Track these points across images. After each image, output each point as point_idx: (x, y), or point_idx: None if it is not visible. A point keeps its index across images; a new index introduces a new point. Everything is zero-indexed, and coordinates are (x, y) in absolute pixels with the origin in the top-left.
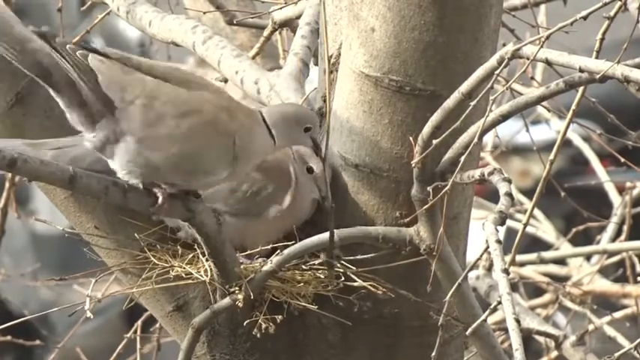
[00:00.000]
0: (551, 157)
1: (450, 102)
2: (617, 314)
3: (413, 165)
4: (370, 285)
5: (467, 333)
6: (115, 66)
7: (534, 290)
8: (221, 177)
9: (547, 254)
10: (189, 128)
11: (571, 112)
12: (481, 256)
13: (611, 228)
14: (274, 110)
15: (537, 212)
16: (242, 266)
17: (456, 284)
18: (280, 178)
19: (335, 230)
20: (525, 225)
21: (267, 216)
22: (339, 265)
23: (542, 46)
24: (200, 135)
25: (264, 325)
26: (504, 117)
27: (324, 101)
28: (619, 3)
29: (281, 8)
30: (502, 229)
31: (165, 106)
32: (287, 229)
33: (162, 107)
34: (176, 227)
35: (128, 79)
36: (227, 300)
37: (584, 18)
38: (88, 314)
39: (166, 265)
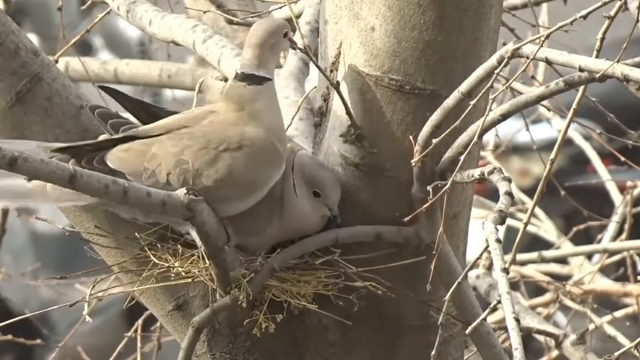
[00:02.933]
0: (552, 156)
1: (449, 101)
2: (618, 313)
3: (413, 164)
4: (370, 284)
5: (467, 332)
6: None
7: (535, 289)
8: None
9: (548, 253)
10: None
11: (572, 111)
12: (481, 255)
13: (611, 227)
14: (249, 54)
15: (538, 211)
16: (242, 265)
17: (456, 283)
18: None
19: (335, 230)
20: (526, 224)
21: (264, 234)
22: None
23: (542, 46)
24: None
25: (264, 325)
26: (504, 116)
27: (324, 100)
28: (619, 2)
29: (281, 8)
30: (502, 228)
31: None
32: (288, 239)
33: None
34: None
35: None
36: (227, 299)
37: (584, 17)
38: (87, 319)
39: (167, 264)
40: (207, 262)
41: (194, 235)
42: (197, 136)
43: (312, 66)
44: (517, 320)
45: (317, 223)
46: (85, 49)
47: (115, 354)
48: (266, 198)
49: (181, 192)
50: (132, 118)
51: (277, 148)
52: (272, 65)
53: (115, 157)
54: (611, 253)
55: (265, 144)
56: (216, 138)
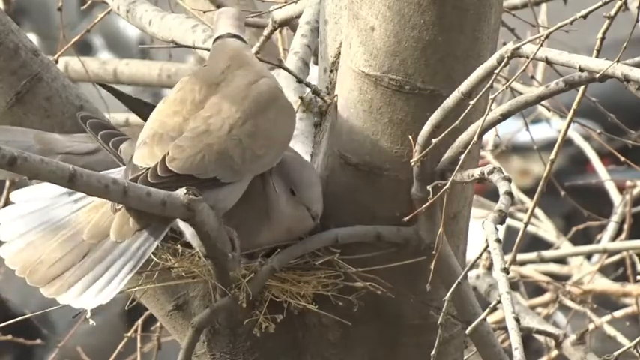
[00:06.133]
0: (552, 156)
1: (449, 101)
2: (617, 313)
3: (412, 164)
4: (370, 284)
5: (467, 332)
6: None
7: (534, 289)
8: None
9: (547, 253)
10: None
11: (572, 111)
12: (481, 255)
13: (611, 227)
14: (226, 20)
15: (538, 211)
16: (242, 265)
17: (456, 283)
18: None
19: (335, 230)
20: (526, 224)
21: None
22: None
23: (542, 45)
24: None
25: (264, 325)
26: (504, 116)
27: (324, 100)
28: (619, 2)
29: (281, 7)
30: (502, 228)
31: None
32: (277, 242)
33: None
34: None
35: None
36: (227, 299)
37: (584, 17)
38: (90, 322)
39: (167, 263)
40: (206, 261)
41: (188, 235)
42: (233, 110)
43: (312, 66)
44: (517, 320)
45: (301, 223)
46: (85, 49)
47: (115, 354)
48: (255, 200)
49: (181, 192)
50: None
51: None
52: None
53: (175, 162)
54: (611, 253)
55: (280, 96)
56: (247, 106)
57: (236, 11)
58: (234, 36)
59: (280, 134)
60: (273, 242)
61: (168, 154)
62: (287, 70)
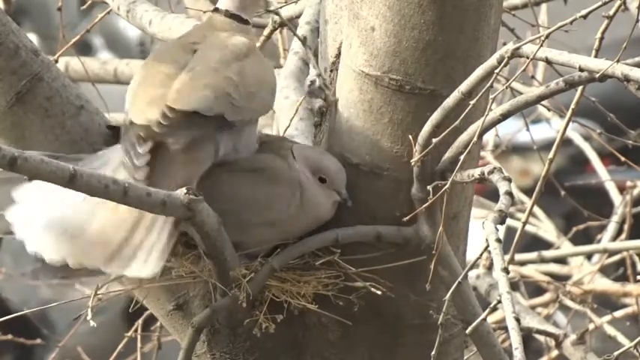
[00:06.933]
0: (551, 155)
1: (449, 101)
2: (618, 313)
3: (413, 164)
4: (370, 285)
5: (467, 332)
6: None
7: (535, 289)
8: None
9: (547, 253)
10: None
11: (570, 110)
12: (481, 255)
13: (611, 227)
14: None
15: (538, 211)
16: (242, 265)
17: (456, 283)
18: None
19: (335, 230)
20: (524, 223)
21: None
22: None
23: (542, 45)
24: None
25: (264, 325)
26: (504, 116)
27: (324, 100)
28: (618, 2)
29: (281, 7)
30: (502, 228)
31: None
32: (303, 231)
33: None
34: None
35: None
36: (227, 299)
37: (584, 17)
38: (91, 323)
39: (167, 264)
40: (207, 261)
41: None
42: (216, 58)
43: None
44: (517, 320)
45: (329, 210)
46: (85, 49)
47: (115, 354)
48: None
49: (181, 192)
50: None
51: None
52: (251, 15)
53: (179, 100)
54: (611, 253)
55: (258, 52)
56: (228, 54)
57: None
58: (233, 15)
59: (266, 76)
60: (300, 233)
61: (168, 99)
62: (299, 39)
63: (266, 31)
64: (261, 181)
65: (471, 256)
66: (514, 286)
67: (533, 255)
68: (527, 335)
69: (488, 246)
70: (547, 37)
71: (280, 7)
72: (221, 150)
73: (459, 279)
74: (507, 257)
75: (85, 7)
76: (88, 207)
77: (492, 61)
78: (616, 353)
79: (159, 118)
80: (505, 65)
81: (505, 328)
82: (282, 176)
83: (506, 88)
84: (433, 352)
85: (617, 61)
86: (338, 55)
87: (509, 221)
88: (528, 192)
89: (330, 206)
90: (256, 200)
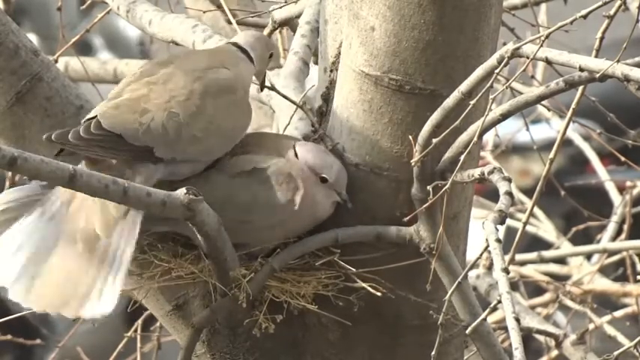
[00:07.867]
0: (551, 155)
1: (449, 101)
2: (618, 313)
3: (413, 164)
4: (370, 285)
5: (467, 332)
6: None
7: (535, 289)
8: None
9: (547, 253)
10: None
11: (571, 110)
12: (481, 255)
13: (611, 227)
14: (247, 35)
15: (538, 211)
16: (242, 265)
17: (456, 283)
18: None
19: (335, 230)
20: (525, 224)
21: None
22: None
23: (542, 45)
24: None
25: (264, 325)
26: (504, 116)
27: (324, 100)
28: (619, 2)
29: (281, 7)
30: (502, 228)
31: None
32: (303, 230)
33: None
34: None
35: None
36: (227, 299)
37: (584, 17)
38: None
39: (167, 265)
40: (207, 261)
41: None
42: (180, 85)
43: (312, 65)
44: (517, 320)
45: (327, 209)
46: (85, 49)
47: (114, 354)
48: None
49: (181, 192)
50: None
51: (247, 97)
52: (263, 65)
53: (107, 117)
54: (611, 253)
55: (238, 93)
56: (196, 87)
57: (263, 35)
58: (242, 49)
59: (227, 124)
60: (299, 232)
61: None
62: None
63: (266, 31)
64: (261, 183)
65: (471, 256)
66: (514, 286)
67: (533, 255)
68: (527, 335)
69: (488, 246)
70: (547, 37)
71: (280, 7)
72: (156, 175)
73: (459, 279)
74: (507, 257)
75: (84, 7)
76: (48, 253)
77: (492, 61)
78: (616, 353)
79: (87, 127)
80: (505, 65)
81: (505, 328)
82: (281, 177)
83: (506, 88)
84: (433, 353)
85: (617, 61)
86: (338, 55)
87: (509, 221)
88: (528, 192)
89: (328, 206)
90: (257, 204)
